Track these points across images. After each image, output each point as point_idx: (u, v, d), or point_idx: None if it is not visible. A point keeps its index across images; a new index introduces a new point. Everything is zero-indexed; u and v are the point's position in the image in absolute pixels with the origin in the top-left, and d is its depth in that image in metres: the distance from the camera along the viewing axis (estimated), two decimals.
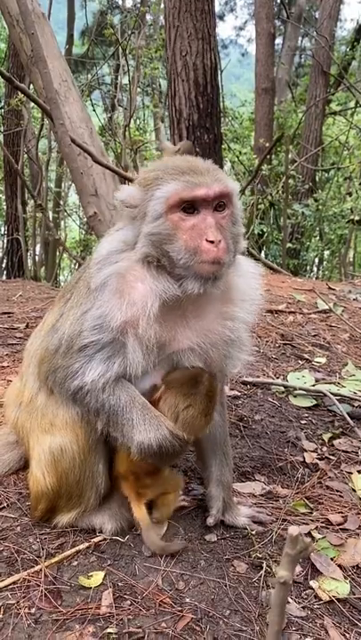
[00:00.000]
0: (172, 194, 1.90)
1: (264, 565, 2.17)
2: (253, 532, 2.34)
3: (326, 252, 17.16)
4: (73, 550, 2.16)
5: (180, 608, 1.94)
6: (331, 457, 2.98)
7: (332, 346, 4.60)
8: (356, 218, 12.78)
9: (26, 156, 13.43)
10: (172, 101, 7.75)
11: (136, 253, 1.98)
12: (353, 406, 3.48)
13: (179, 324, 2.06)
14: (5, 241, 15.94)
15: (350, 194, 14.45)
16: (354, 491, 2.70)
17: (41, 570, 2.05)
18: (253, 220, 11.92)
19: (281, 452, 2.98)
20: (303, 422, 3.34)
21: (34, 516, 2.29)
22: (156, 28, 17.03)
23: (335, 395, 3.52)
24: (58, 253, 15.41)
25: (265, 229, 13.29)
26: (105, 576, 2.05)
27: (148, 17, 16.67)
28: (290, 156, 12.94)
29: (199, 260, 1.90)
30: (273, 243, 13.78)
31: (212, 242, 1.88)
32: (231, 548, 2.27)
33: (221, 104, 10.76)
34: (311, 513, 2.51)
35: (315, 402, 3.58)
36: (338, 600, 2.06)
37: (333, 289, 6.88)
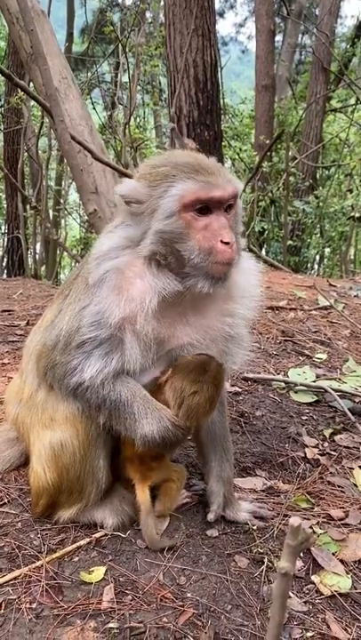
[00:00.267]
0: (188, 193, 1.88)
1: (265, 560, 2.17)
2: (255, 528, 2.34)
3: (327, 250, 17.15)
4: (74, 546, 2.16)
5: (181, 603, 1.94)
6: (332, 452, 2.97)
7: (333, 342, 4.59)
8: (357, 215, 12.74)
9: (26, 154, 13.43)
10: (171, 98, 7.74)
11: (142, 250, 1.95)
12: (354, 402, 3.48)
13: (178, 321, 2.06)
14: (6, 239, 15.94)
15: (351, 191, 14.42)
16: (355, 486, 2.70)
17: (42, 565, 2.05)
18: (254, 218, 11.91)
19: (282, 448, 2.98)
20: (304, 418, 3.33)
21: (35, 512, 2.29)
22: (155, 25, 16.98)
23: (336, 390, 3.52)
24: (58, 252, 15.41)
25: (266, 227, 13.28)
26: (106, 571, 2.05)
27: (148, 14, 16.64)
28: (290, 153, 12.91)
29: (214, 260, 1.91)
30: (274, 240, 13.77)
31: (227, 243, 1.89)
32: (232, 543, 2.27)
33: (222, 101, 10.73)
34: (313, 508, 2.51)
35: (316, 398, 3.58)
36: (339, 595, 2.06)
37: (334, 285, 6.88)
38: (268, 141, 12.90)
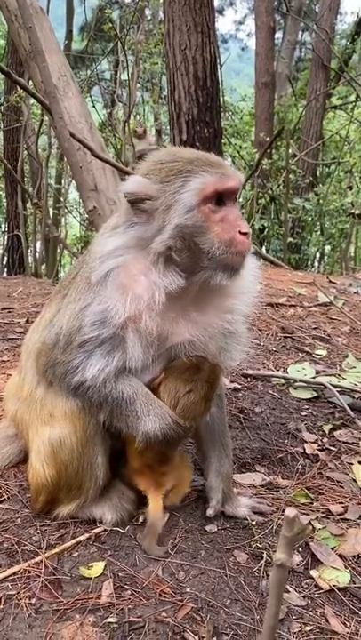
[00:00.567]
0: (207, 185, 1.90)
1: (264, 555, 2.17)
2: (254, 523, 2.34)
3: (327, 247, 17.13)
4: (73, 541, 2.16)
5: (180, 598, 1.94)
6: (331, 448, 2.98)
7: (333, 338, 4.59)
8: (357, 212, 12.74)
9: (26, 152, 13.42)
10: (171, 96, 7.73)
11: (157, 246, 1.94)
12: (353, 398, 3.48)
13: (179, 318, 2.07)
14: (6, 238, 15.94)
15: (351, 188, 14.41)
16: (354, 481, 2.70)
17: (41, 561, 2.06)
18: (254, 215, 11.91)
19: (281, 444, 2.98)
20: (303, 414, 3.33)
21: (34, 508, 2.29)
22: (155, 22, 16.97)
23: (336, 386, 3.52)
24: (59, 250, 15.41)
25: (266, 224, 13.27)
26: (105, 566, 2.05)
27: (147, 11, 16.61)
28: (290, 150, 12.90)
29: (235, 251, 1.93)
30: (274, 237, 13.76)
31: (245, 234, 1.93)
32: (231, 538, 2.27)
33: (221, 99, 10.72)
34: (312, 503, 2.52)
35: (315, 394, 3.58)
36: (338, 589, 2.06)
37: (334, 282, 6.88)
38: (268, 139, 12.91)
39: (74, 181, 8.66)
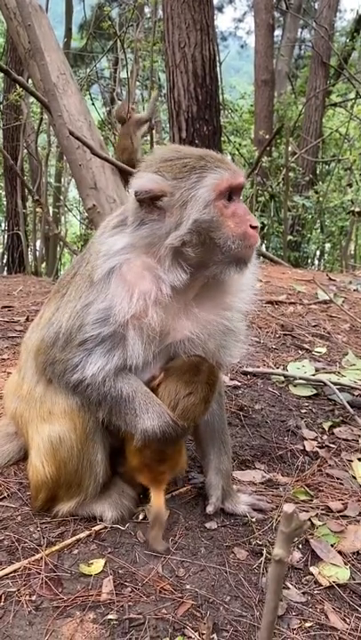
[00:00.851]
0: (222, 181, 1.94)
1: (264, 552, 2.18)
2: (253, 520, 2.35)
3: (327, 245, 17.14)
4: (73, 539, 2.17)
5: (180, 594, 1.95)
6: (331, 445, 2.98)
7: (333, 336, 4.60)
8: (357, 209, 12.73)
9: (25, 150, 13.41)
10: (170, 93, 7.73)
11: (172, 241, 1.94)
12: (353, 395, 3.48)
13: (181, 313, 2.07)
14: (6, 236, 15.94)
15: (351, 185, 14.41)
16: (354, 478, 2.70)
17: (42, 558, 2.06)
18: (253, 213, 11.89)
19: (281, 441, 2.98)
20: (303, 411, 3.34)
21: (34, 506, 2.30)
22: (154, 20, 16.93)
23: (335, 384, 3.52)
24: (59, 248, 15.41)
25: (266, 222, 13.26)
26: (105, 564, 2.06)
27: (147, 9, 16.57)
28: (290, 148, 12.89)
29: (247, 244, 1.98)
30: (274, 235, 13.76)
31: (255, 227, 1.99)
32: (231, 535, 2.28)
33: (221, 96, 10.71)
34: (311, 500, 2.52)
35: (315, 391, 3.58)
36: (338, 585, 2.06)
37: (334, 280, 6.88)
38: (267, 136, 12.90)
39: (73, 179, 8.65)
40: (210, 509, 2.34)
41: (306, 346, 4.32)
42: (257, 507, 2.42)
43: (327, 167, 16.93)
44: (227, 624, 1.86)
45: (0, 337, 4.32)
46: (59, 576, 2.00)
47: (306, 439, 3.01)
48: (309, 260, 16.85)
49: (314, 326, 4.80)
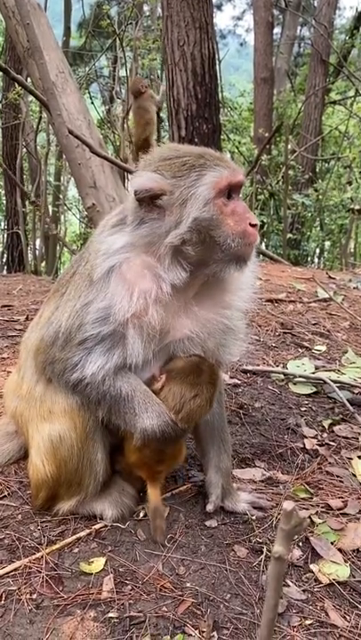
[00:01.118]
0: (222, 179, 1.94)
1: (264, 550, 2.18)
2: (253, 518, 2.35)
3: (327, 243, 17.13)
4: (74, 537, 2.17)
5: (180, 592, 1.95)
6: (331, 443, 2.98)
7: (332, 334, 4.60)
8: (357, 207, 12.74)
9: (25, 149, 13.40)
10: (170, 92, 7.72)
11: (172, 239, 1.94)
12: (353, 393, 3.48)
13: (181, 312, 2.07)
14: (5, 235, 15.94)
15: (350, 183, 14.40)
16: (354, 476, 2.71)
17: (42, 557, 2.06)
18: (253, 211, 11.89)
19: (281, 439, 2.98)
20: (303, 409, 3.34)
21: (35, 505, 2.30)
22: (153, 18, 16.90)
23: (335, 382, 3.52)
24: (58, 247, 15.41)
25: (265, 220, 13.26)
26: (106, 562, 2.06)
27: (146, 7, 16.55)
28: (289, 146, 12.88)
29: (247, 242, 1.98)
30: (273, 233, 13.76)
31: (255, 225, 1.98)
32: (232, 533, 2.28)
33: (220, 94, 10.69)
34: (311, 498, 2.52)
35: (315, 389, 3.59)
36: (338, 583, 2.07)
37: (333, 278, 6.88)
38: (267, 134, 12.88)
39: (73, 178, 8.65)
40: (210, 507, 2.35)
41: (306, 344, 4.32)
42: (257, 505, 2.42)
43: (327, 165, 16.92)
44: (227, 622, 1.86)
45: (0, 336, 4.32)
46: (59, 574, 2.01)
47: (306, 437, 3.01)
48: (309, 258, 16.85)
49: (314, 324, 4.80)
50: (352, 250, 17.38)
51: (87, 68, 16.77)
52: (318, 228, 15.69)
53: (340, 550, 2.21)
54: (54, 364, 2.12)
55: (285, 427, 3.11)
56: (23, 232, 13.39)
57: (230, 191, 1.98)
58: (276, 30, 20.27)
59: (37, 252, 14.64)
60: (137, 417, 2.07)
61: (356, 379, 3.64)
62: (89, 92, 15.75)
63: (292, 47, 21.20)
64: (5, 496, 2.39)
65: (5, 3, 7.79)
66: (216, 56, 8.47)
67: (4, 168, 13.56)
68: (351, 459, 2.84)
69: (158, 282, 1.96)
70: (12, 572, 2.00)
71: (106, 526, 2.24)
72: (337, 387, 3.46)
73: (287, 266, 8.26)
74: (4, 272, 14.30)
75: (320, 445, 2.95)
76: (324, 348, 4.24)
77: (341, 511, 2.43)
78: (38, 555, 2.07)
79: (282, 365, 3.89)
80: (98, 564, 2.05)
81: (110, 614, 1.85)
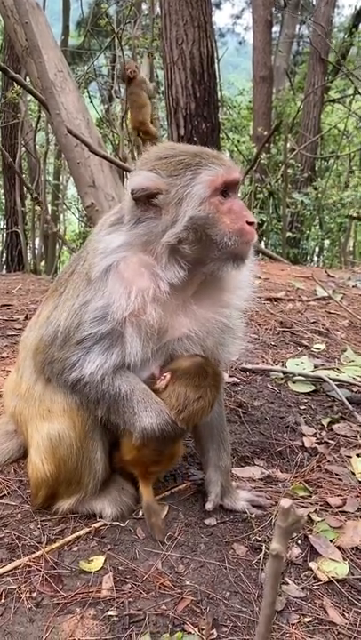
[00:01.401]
0: (217, 177, 1.94)
1: (263, 548, 2.18)
2: (253, 516, 2.35)
3: (326, 241, 17.13)
4: (73, 536, 2.18)
5: (180, 590, 1.96)
6: (330, 441, 2.98)
7: (332, 332, 4.60)
8: (355, 214, 12.77)
9: (24, 148, 13.39)
10: (168, 90, 7.71)
11: (168, 239, 1.94)
12: (352, 391, 3.49)
13: (180, 311, 2.07)
14: (5, 235, 15.94)
15: (347, 186, 14.42)
16: (353, 474, 2.71)
17: (42, 555, 2.07)
18: (252, 210, 11.89)
19: (280, 437, 2.99)
20: (302, 408, 3.34)
21: (34, 503, 2.30)
22: (152, 17, 16.90)
23: (334, 380, 3.52)
24: (57, 246, 15.40)
25: (264, 219, 13.27)
26: (105, 560, 2.07)
27: (144, 6, 16.53)
28: (289, 144, 12.89)
29: (244, 240, 1.98)
30: (273, 232, 13.77)
31: (251, 223, 1.98)
32: (231, 531, 2.28)
33: (219, 93, 10.69)
34: (310, 496, 2.53)
35: (314, 387, 3.59)
36: (337, 581, 2.07)
37: (332, 276, 6.88)
38: (266, 133, 12.89)
39: (72, 177, 8.65)
40: (209, 506, 2.35)
41: (305, 342, 4.32)
42: (256, 503, 2.42)
43: (326, 163, 16.92)
44: (226, 619, 1.87)
45: None
46: (59, 573, 2.01)
47: (305, 435, 3.02)
48: (308, 257, 16.84)
49: (313, 323, 4.80)
50: (351, 248, 17.39)
51: (86, 67, 16.73)
52: (317, 227, 15.69)
53: (338, 548, 2.22)
54: (53, 364, 2.13)
55: (284, 425, 3.12)
56: (22, 231, 13.39)
57: (227, 189, 1.98)
58: (275, 29, 20.25)
59: (37, 251, 14.65)
60: (136, 416, 2.08)
61: (355, 377, 3.65)
62: (88, 91, 15.74)
63: (291, 46, 21.17)
64: (5, 495, 2.40)
65: (4, 2, 7.78)
66: (215, 55, 8.46)
67: (2, 167, 13.56)
68: (350, 457, 2.84)
69: (156, 280, 1.97)
70: (11, 570, 2.01)
71: (105, 525, 2.24)
72: (336, 385, 3.46)
73: (286, 264, 8.26)
74: (4, 271, 14.29)
75: (319, 444, 2.96)
76: (323, 347, 4.24)
77: (340, 509, 2.44)
78: (38, 553, 2.08)
79: (281, 364, 3.89)
80: (97, 562, 2.06)
81: (110, 612, 1.85)
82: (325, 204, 14.59)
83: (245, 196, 11.68)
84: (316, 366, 3.83)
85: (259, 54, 15.37)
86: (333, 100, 17.58)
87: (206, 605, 1.91)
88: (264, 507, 2.42)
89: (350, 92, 16.29)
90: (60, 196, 17.44)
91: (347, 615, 1.93)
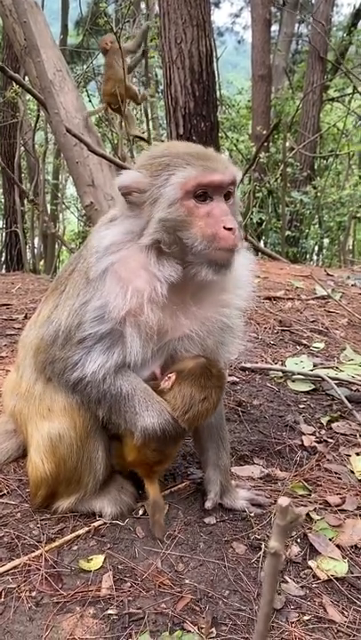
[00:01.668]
0: (189, 179, 1.89)
1: (263, 547, 2.19)
2: (252, 515, 2.36)
3: (326, 240, 17.11)
4: (73, 535, 2.18)
5: (179, 589, 1.96)
6: (329, 440, 2.99)
7: (331, 331, 4.60)
8: (359, 215, 12.77)
9: (22, 148, 13.39)
10: (167, 89, 7.70)
11: (144, 239, 1.95)
12: (351, 390, 3.49)
13: (179, 311, 2.07)
14: (4, 234, 15.92)
15: (343, 187, 14.42)
16: (352, 472, 2.72)
17: (41, 554, 2.07)
18: (250, 208, 11.88)
19: (279, 436, 2.99)
20: (302, 406, 3.35)
21: (34, 503, 2.31)
22: (150, 16, 16.87)
23: (333, 379, 3.53)
24: (57, 246, 15.40)
25: (263, 217, 13.26)
26: (105, 559, 2.07)
27: (143, 5, 16.52)
28: (288, 143, 12.88)
29: (217, 246, 1.91)
30: (272, 231, 13.76)
31: (230, 229, 1.89)
32: (230, 530, 2.29)
33: (218, 92, 10.68)
34: (310, 495, 2.53)
35: (313, 386, 3.59)
36: (336, 579, 2.08)
37: (332, 275, 6.88)
38: (265, 132, 12.87)
39: (71, 177, 8.65)
40: (208, 505, 2.35)
41: (304, 341, 4.33)
42: (255, 502, 2.43)
43: (325, 162, 16.90)
44: (226, 618, 1.87)
45: None
46: (58, 572, 2.02)
47: (304, 434, 3.02)
48: (308, 256, 16.82)
49: (312, 322, 4.81)
50: (350, 247, 17.38)
51: (85, 66, 16.73)
52: (317, 226, 15.67)
53: (338, 546, 2.22)
54: (54, 363, 2.13)
55: (284, 424, 3.12)
56: (22, 231, 13.38)
57: (206, 192, 1.92)
58: (274, 28, 20.21)
59: (36, 250, 14.64)
60: (137, 415, 2.08)
61: (354, 376, 3.65)
62: (87, 91, 15.70)
63: (290, 44, 21.13)
64: (4, 494, 2.40)
65: (2, 1, 7.77)
66: (214, 54, 8.43)
67: (1, 167, 13.54)
68: (349, 455, 2.85)
69: (153, 281, 1.96)
70: (11, 569, 2.02)
71: (105, 524, 2.25)
72: (335, 384, 3.47)
73: (286, 263, 8.26)
74: (3, 270, 14.29)
75: (318, 442, 2.96)
76: (322, 346, 4.25)
77: (339, 508, 2.44)
78: (37, 552, 2.08)
79: (280, 363, 3.89)
80: (97, 561, 2.06)
81: (109, 611, 1.86)
82: (325, 203, 14.58)
83: (244, 195, 11.66)
84: (315, 365, 3.84)
85: (258, 53, 15.33)
86: (332, 99, 17.53)
87: (206, 604, 1.91)
88: (263, 505, 2.42)
89: (349, 90, 16.25)
90: (59, 195, 17.43)
91: (346, 613, 1.94)
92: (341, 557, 2.17)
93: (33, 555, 2.08)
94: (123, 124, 11.28)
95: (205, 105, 7.63)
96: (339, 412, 3.27)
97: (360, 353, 4.13)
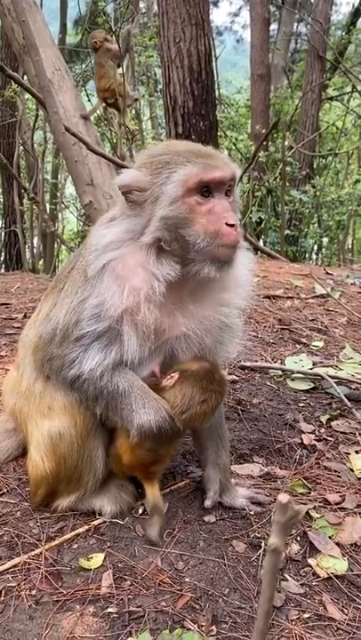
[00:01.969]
0: (190, 176, 1.89)
1: (263, 545, 2.19)
2: (252, 513, 2.36)
3: (325, 239, 17.12)
4: (73, 533, 2.18)
5: (179, 587, 1.96)
6: (329, 438, 2.99)
7: (330, 330, 4.61)
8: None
9: (21, 147, 13.38)
10: (166, 89, 7.70)
11: (145, 238, 1.95)
12: (351, 388, 3.50)
13: (177, 310, 2.07)
14: (3, 234, 15.91)
15: (341, 186, 14.42)
16: (352, 470, 2.72)
17: (41, 553, 2.07)
18: (250, 207, 11.89)
19: (279, 435, 2.99)
20: (301, 405, 3.35)
21: (34, 501, 2.31)
22: (149, 15, 16.87)
23: (333, 377, 3.53)
24: (56, 245, 15.39)
25: (263, 216, 13.26)
26: (105, 558, 2.07)
27: (142, 4, 16.52)
28: (287, 142, 12.89)
29: (220, 243, 1.91)
30: (271, 230, 13.75)
31: (232, 225, 1.90)
32: (230, 528, 2.29)
33: (217, 91, 10.68)
34: (309, 493, 2.53)
35: (312, 385, 3.60)
36: (336, 577, 2.08)
37: (331, 274, 6.89)
38: (264, 131, 12.87)
39: (70, 176, 8.65)
40: (208, 503, 2.35)
41: (303, 340, 4.33)
42: (255, 500, 2.43)
43: (324, 161, 16.90)
44: (226, 616, 1.87)
45: None
46: (58, 570, 2.02)
47: (304, 432, 3.02)
48: (307, 255, 16.82)
49: (311, 320, 4.81)
50: (350, 246, 17.41)
51: (84, 66, 16.72)
52: (316, 225, 15.68)
53: (337, 544, 2.22)
54: (52, 361, 2.13)
55: (283, 422, 3.13)
56: (21, 230, 13.39)
57: (208, 189, 1.93)
58: (273, 27, 20.19)
59: (35, 250, 14.64)
60: (134, 413, 2.07)
61: (353, 374, 3.65)
62: (85, 90, 15.68)
63: (289, 43, 21.12)
64: (4, 493, 2.40)
65: (1, 0, 7.77)
66: (213, 53, 8.44)
67: (0, 166, 13.53)
68: (349, 454, 2.85)
69: (151, 280, 1.96)
70: (11, 568, 2.02)
71: (105, 522, 2.25)
72: (335, 382, 3.47)
73: (285, 262, 8.27)
74: (2, 270, 14.29)
75: (318, 441, 2.96)
76: (321, 344, 4.25)
77: (339, 505, 2.45)
78: (37, 551, 2.09)
79: (280, 361, 3.89)
80: (97, 559, 2.06)
81: (109, 609, 1.86)
82: (324, 202, 14.60)
83: (244, 193, 11.66)
84: (314, 364, 3.84)
85: (256, 52, 15.32)
86: (331, 98, 17.53)
87: (206, 602, 1.92)
88: (263, 504, 2.42)
89: (348, 89, 16.26)
90: (59, 194, 17.42)
91: (346, 611, 1.94)
92: (341, 555, 2.17)
93: (33, 553, 2.08)
94: (122, 121, 11.28)
95: (204, 104, 7.63)
96: (338, 411, 3.27)
97: (359, 351, 4.13)
